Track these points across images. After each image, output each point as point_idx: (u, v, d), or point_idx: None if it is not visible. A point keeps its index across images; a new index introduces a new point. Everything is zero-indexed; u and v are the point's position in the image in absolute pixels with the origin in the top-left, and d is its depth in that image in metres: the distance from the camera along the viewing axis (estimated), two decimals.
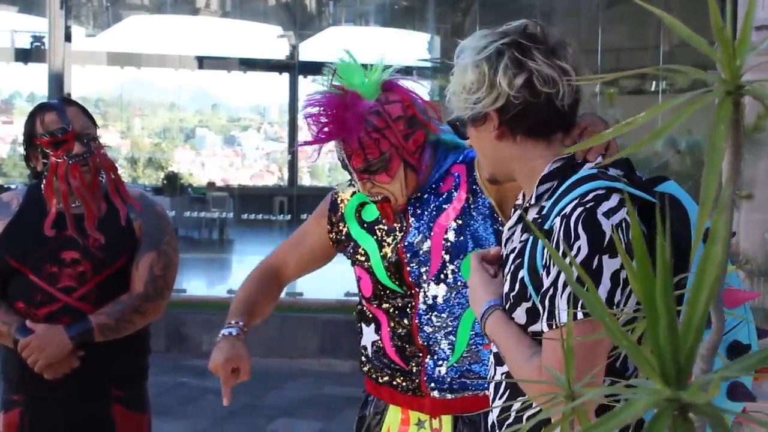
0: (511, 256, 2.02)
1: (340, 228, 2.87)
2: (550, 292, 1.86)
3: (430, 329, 2.64)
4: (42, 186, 3.48)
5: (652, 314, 0.81)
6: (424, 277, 2.65)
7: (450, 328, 2.61)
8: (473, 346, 2.61)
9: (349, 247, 2.85)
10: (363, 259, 2.80)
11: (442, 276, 2.63)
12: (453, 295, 2.62)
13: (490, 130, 2.04)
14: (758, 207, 4.74)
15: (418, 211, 2.67)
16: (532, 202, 2.01)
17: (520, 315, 1.97)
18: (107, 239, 3.45)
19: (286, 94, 27.17)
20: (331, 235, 2.91)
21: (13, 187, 3.95)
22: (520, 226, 2.06)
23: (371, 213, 2.80)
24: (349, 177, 2.74)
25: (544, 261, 1.89)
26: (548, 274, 1.87)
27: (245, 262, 19.16)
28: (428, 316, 2.64)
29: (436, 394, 2.65)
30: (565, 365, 1.44)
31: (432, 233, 2.63)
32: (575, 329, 1.67)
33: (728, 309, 1.81)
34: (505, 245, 2.10)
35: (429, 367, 2.66)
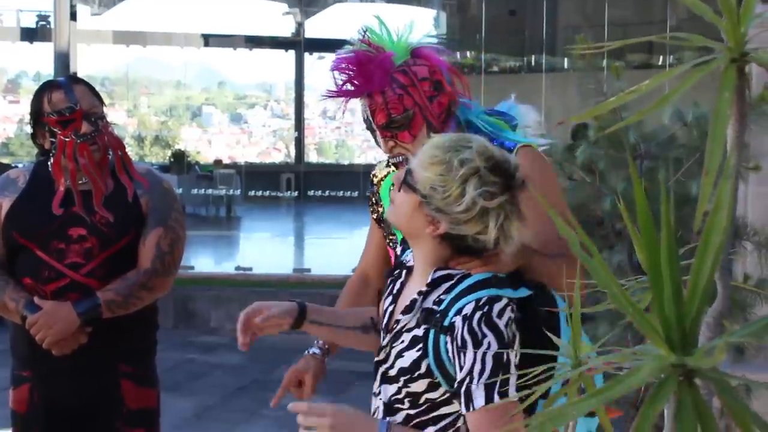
0: (407, 337, 2.27)
1: (378, 208, 2.88)
2: (467, 381, 2.15)
3: None
4: (49, 164, 3.49)
5: (656, 281, 0.81)
6: None
7: None
8: None
9: (385, 229, 2.85)
10: (393, 241, 2.82)
11: None
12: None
13: (426, 219, 2.23)
14: (766, 179, 4.73)
15: None
16: (425, 288, 2.27)
17: (420, 384, 2.26)
18: (114, 216, 3.45)
19: (293, 71, 27.13)
20: (374, 216, 2.91)
21: (20, 166, 3.93)
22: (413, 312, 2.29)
23: None
24: (377, 145, 2.74)
25: (450, 354, 2.18)
26: (461, 367, 2.16)
27: (252, 238, 19.21)
28: None
29: None
30: (573, 337, 1.45)
31: None
32: (494, 412, 2.11)
33: None
34: (385, 309, 2.40)
35: None
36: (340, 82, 2.62)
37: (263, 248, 17.14)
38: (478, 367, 2.13)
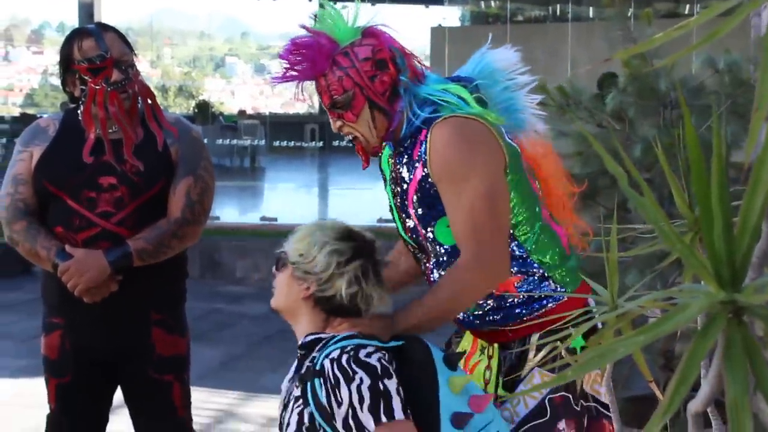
0: (292, 404, 2.49)
1: (383, 177, 2.92)
2: (350, 413, 2.33)
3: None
4: (79, 112, 3.49)
5: (707, 217, 0.80)
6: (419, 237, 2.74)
7: None
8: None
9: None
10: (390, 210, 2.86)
11: (429, 238, 2.70)
12: (444, 255, 2.69)
13: (298, 286, 2.56)
14: None
15: (399, 169, 2.73)
16: (301, 351, 2.56)
17: None
18: (144, 165, 3.46)
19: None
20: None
21: (45, 116, 3.93)
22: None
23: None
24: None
25: (325, 394, 2.37)
26: (339, 404, 2.34)
27: (277, 189, 19.25)
28: (437, 272, 2.71)
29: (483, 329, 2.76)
30: (609, 279, 1.45)
31: (408, 199, 2.70)
32: (392, 427, 2.31)
33: (478, 413, 2.39)
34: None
35: (460, 315, 2.76)
36: (288, 68, 2.70)
37: (288, 199, 17.19)
38: (356, 398, 2.33)
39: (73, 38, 3.46)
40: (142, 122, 3.52)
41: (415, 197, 2.65)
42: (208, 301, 8.86)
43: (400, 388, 2.36)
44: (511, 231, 2.61)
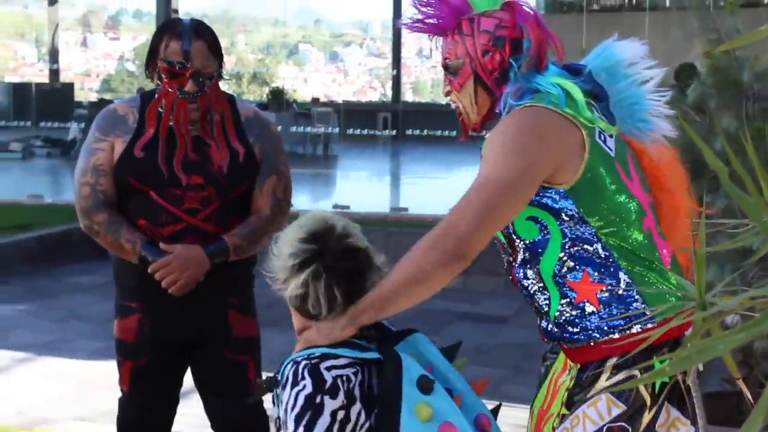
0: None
1: None
2: (283, 416, 2.38)
3: (527, 283, 2.56)
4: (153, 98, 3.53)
5: None
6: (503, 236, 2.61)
7: (541, 284, 2.53)
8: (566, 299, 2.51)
9: None
10: None
11: (511, 236, 2.56)
12: (525, 252, 2.55)
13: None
14: None
15: None
16: None
17: None
18: (229, 168, 3.52)
19: (389, 10, 27.07)
20: None
21: (120, 101, 3.95)
22: None
23: None
24: None
25: (277, 414, 2.44)
26: (279, 405, 2.42)
27: (350, 177, 19.34)
28: (522, 270, 2.57)
29: (564, 344, 2.58)
30: (697, 275, 1.41)
31: None
32: None
33: None
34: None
35: (543, 323, 2.59)
36: (415, 20, 2.64)
37: (360, 187, 17.25)
38: (291, 402, 2.34)
39: (165, 31, 3.50)
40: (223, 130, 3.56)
41: None
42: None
43: (340, 412, 2.33)
44: (594, 231, 2.45)
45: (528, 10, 2.62)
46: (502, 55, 2.56)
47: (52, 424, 5.48)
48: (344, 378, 2.35)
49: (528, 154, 2.41)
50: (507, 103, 2.53)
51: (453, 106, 2.68)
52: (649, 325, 2.42)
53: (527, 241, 2.51)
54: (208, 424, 3.82)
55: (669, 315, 2.25)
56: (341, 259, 2.43)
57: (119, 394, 3.74)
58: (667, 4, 19.56)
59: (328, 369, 2.34)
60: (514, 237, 2.53)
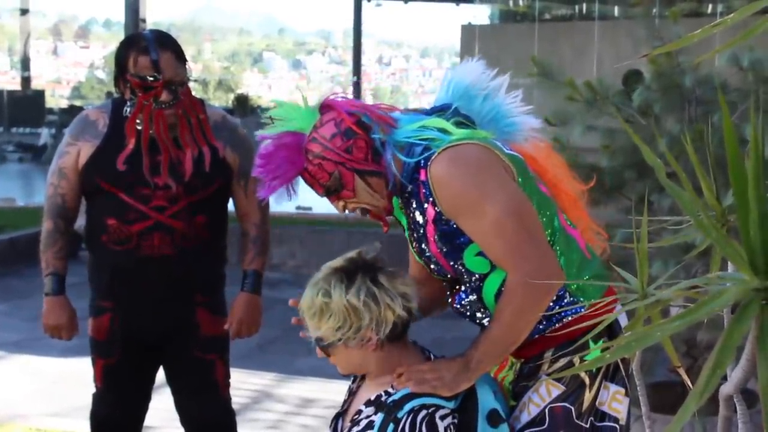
0: (364, 422, 2.54)
1: (402, 227, 2.82)
2: None
3: (467, 304, 2.63)
4: (127, 109, 3.55)
5: (743, 206, 0.82)
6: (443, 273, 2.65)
7: (480, 304, 2.60)
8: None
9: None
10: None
11: (459, 271, 2.59)
12: (479, 281, 2.58)
13: (360, 350, 2.53)
14: None
15: (412, 215, 2.62)
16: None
17: None
18: (198, 172, 3.59)
19: (351, 19, 27.07)
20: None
21: (92, 107, 3.97)
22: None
23: None
24: None
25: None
26: None
27: None
28: (471, 295, 2.62)
29: None
30: (639, 268, 1.41)
31: (428, 241, 2.60)
32: None
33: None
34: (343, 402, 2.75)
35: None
36: (269, 179, 2.62)
37: None
38: None
39: (131, 47, 3.53)
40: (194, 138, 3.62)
41: (435, 237, 2.54)
42: None
43: None
44: None
45: (339, 98, 2.66)
46: (362, 139, 2.56)
47: (25, 420, 5.53)
48: (454, 425, 2.46)
49: (501, 177, 2.45)
50: (405, 164, 2.53)
51: (357, 212, 2.65)
52: (582, 312, 2.51)
53: (478, 274, 2.54)
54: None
55: (596, 300, 2.49)
56: (372, 264, 2.51)
57: (92, 390, 3.81)
58: (616, 14, 19.76)
59: (442, 418, 2.44)
60: (464, 273, 2.56)
